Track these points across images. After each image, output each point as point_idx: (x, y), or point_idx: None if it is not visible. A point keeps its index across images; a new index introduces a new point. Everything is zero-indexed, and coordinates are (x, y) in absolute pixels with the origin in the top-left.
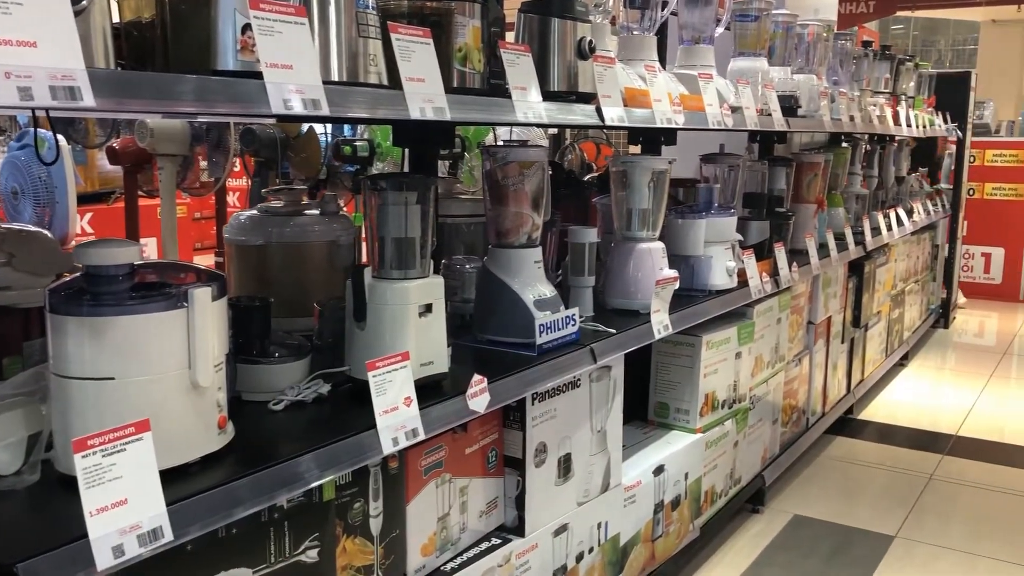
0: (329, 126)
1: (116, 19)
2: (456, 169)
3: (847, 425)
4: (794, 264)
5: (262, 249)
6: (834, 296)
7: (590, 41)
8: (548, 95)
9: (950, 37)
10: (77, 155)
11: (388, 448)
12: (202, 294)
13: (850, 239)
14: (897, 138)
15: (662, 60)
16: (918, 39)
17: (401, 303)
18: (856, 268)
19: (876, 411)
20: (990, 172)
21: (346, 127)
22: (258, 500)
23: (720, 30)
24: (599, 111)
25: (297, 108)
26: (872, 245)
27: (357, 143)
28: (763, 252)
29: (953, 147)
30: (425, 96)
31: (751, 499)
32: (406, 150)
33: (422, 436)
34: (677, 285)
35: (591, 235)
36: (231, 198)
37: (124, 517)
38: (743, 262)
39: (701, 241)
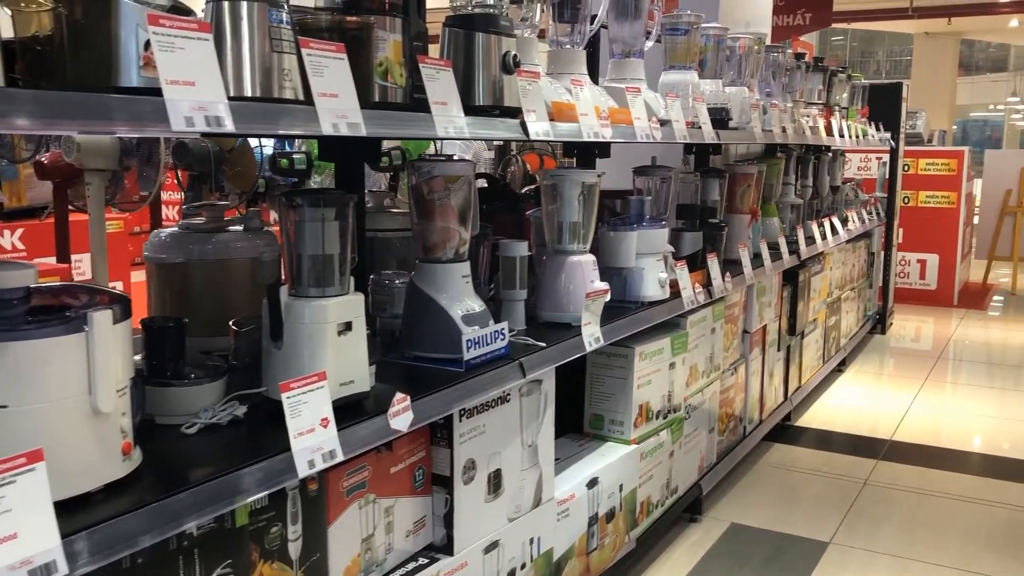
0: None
1: (11, 35)
2: (396, 182)
3: (785, 432)
4: (727, 274)
5: (182, 267)
6: (769, 305)
7: (515, 55)
8: (473, 110)
9: (887, 49)
10: (6, 169)
11: (304, 471)
12: (102, 317)
13: (784, 248)
14: (832, 148)
15: (597, 74)
16: (856, 50)
17: (319, 321)
18: (791, 277)
19: (814, 417)
20: (924, 180)
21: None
22: (164, 528)
23: (650, 44)
24: (523, 125)
25: (200, 125)
26: (807, 254)
27: (295, 156)
28: (696, 263)
29: (884, 156)
30: (338, 111)
31: (689, 508)
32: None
33: (340, 458)
34: (608, 297)
35: (522, 248)
36: (170, 212)
37: (14, 552)
38: (676, 273)
39: (633, 253)
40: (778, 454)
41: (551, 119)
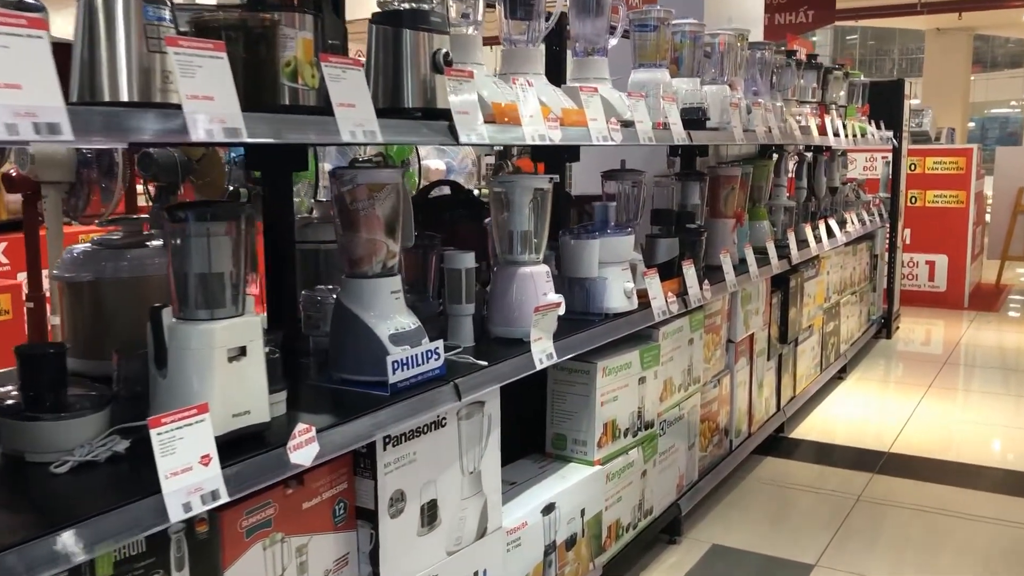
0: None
1: None
2: None
3: (777, 444)
4: (706, 282)
5: (93, 286)
6: (756, 313)
7: (446, 54)
8: (397, 112)
9: (901, 46)
10: None
11: (177, 515)
12: None
13: (772, 253)
14: (832, 148)
15: (565, 74)
16: (872, 49)
17: (206, 347)
18: (781, 282)
19: (809, 429)
20: (931, 180)
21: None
22: None
23: (614, 41)
24: (452, 129)
25: (27, 134)
26: (799, 258)
27: (374, 159)
28: (672, 271)
29: (889, 155)
30: (215, 116)
31: (667, 529)
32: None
33: (225, 498)
34: (561, 311)
35: (467, 260)
36: None
37: None
38: (645, 282)
39: (595, 262)
40: (768, 468)
41: (491, 121)
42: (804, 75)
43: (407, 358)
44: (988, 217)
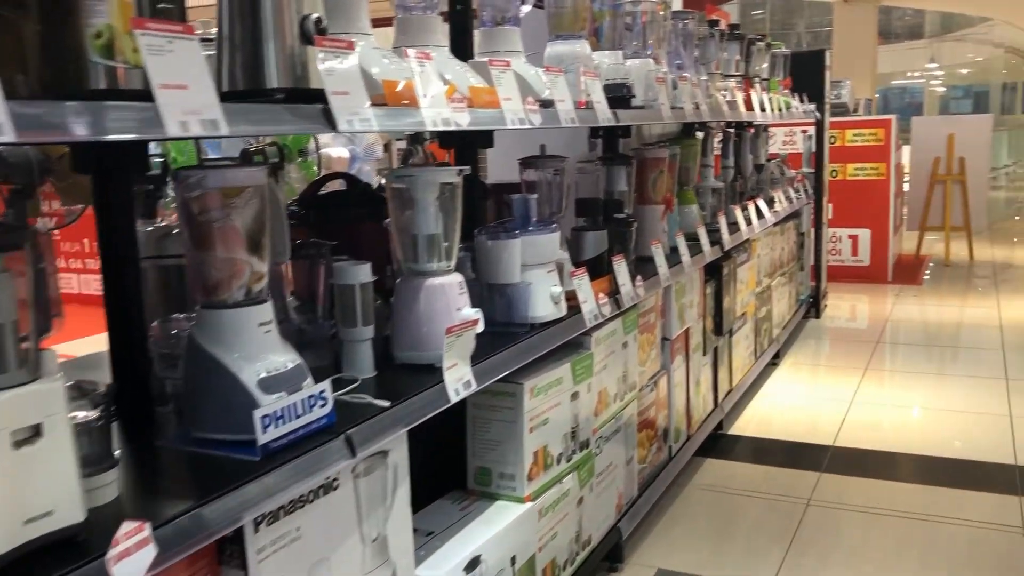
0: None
1: None
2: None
3: (717, 443)
4: (639, 277)
5: None
6: (691, 305)
7: (318, 19)
8: (253, 95)
9: (808, 20)
10: None
11: None
12: None
13: (704, 240)
14: (757, 123)
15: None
16: (778, 23)
17: None
18: (714, 270)
19: (748, 423)
20: (851, 152)
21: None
22: None
23: (527, 8)
24: (328, 114)
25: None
26: (731, 243)
27: (267, 149)
28: (600, 268)
29: (811, 129)
30: None
31: (608, 556)
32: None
33: None
34: (479, 328)
35: (360, 273)
36: None
37: None
38: (573, 284)
39: (516, 265)
40: (710, 472)
41: (381, 103)
42: (727, 47)
43: (283, 409)
44: (906, 188)
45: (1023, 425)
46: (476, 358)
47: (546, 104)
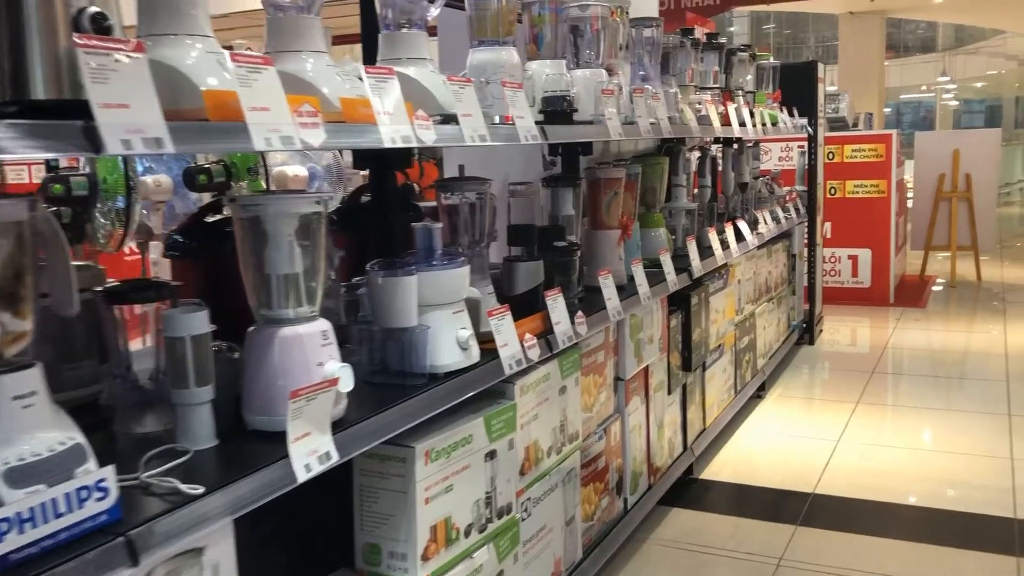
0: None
1: None
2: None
3: (686, 490)
4: (580, 314)
5: None
6: (650, 341)
7: (96, 14)
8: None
9: (817, 33)
10: None
11: None
12: None
13: (668, 268)
14: (741, 139)
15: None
16: (789, 37)
17: None
18: (681, 301)
19: (723, 465)
20: (850, 168)
21: (62, 160)
22: None
23: (435, 10)
24: (90, 131)
25: None
26: (701, 270)
27: (72, 179)
28: (534, 304)
29: (805, 144)
30: None
31: None
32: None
33: None
34: (338, 389)
35: (193, 322)
36: None
37: None
38: (491, 324)
39: (412, 305)
40: (674, 525)
41: (193, 118)
42: (704, 57)
43: (34, 508)
44: (910, 204)
45: None
46: (358, 414)
47: (449, 118)
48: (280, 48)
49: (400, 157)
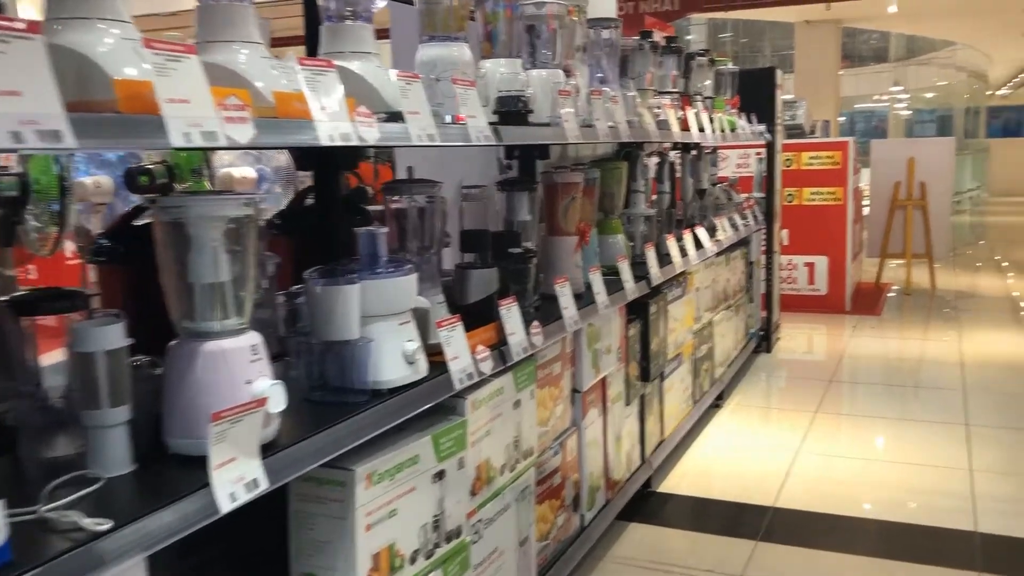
0: None
1: None
2: None
3: (644, 504)
4: (536, 324)
5: None
6: (608, 351)
7: None
8: None
9: (774, 42)
10: None
11: None
12: None
13: (627, 275)
14: (702, 145)
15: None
16: (746, 46)
17: None
18: (639, 309)
19: (682, 478)
20: (808, 176)
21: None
22: None
23: (381, 2)
24: None
25: None
26: (660, 278)
27: (1, 179)
28: (487, 313)
29: (763, 151)
30: None
31: None
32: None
33: None
34: (268, 409)
35: (105, 336)
36: None
37: None
38: (440, 336)
39: (354, 317)
40: (632, 541)
41: (104, 111)
42: (663, 61)
43: None
44: (866, 211)
45: (983, 482)
46: (293, 438)
47: (394, 116)
48: (210, 38)
49: (346, 157)
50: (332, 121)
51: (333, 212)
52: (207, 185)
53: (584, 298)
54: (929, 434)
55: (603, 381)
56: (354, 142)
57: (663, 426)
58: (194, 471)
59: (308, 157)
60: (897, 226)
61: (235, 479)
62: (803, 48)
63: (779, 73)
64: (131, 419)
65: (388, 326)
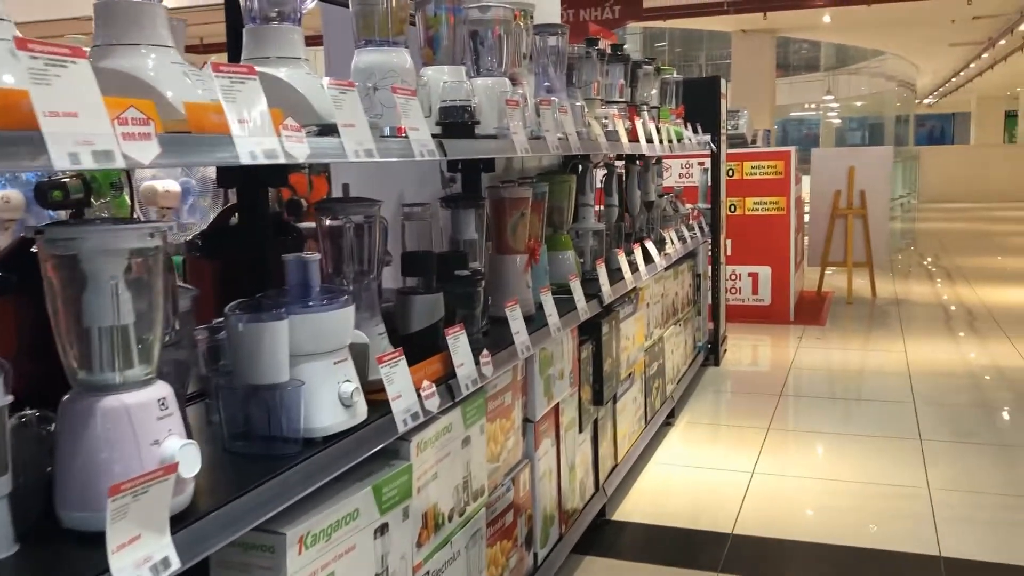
0: None
1: None
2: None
3: (599, 535)
4: (485, 352)
5: None
6: (561, 376)
7: None
8: None
9: (709, 51)
10: None
11: None
12: None
13: (579, 294)
14: (648, 156)
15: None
16: (680, 55)
17: None
18: (591, 328)
19: (636, 503)
20: (750, 186)
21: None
22: None
23: (310, 3)
24: None
25: None
26: (612, 295)
27: (69, 183)
28: (433, 343)
29: (707, 161)
30: None
31: None
32: None
33: None
34: (190, 470)
35: None
36: None
37: None
38: (381, 373)
39: (283, 357)
40: None
41: None
42: (609, 70)
43: None
44: (807, 218)
45: (942, 501)
46: (212, 504)
47: (326, 129)
48: (112, 40)
49: (273, 173)
50: (254, 136)
51: (260, 234)
52: (127, 201)
53: (535, 320)
54: (885, 450)
55: (556, 408)
56: (280, 159)
57: (616, 450)
58: (92, 551)
59: (230, 173)
60: (838, 234)
61: (140, 561)
62: (739, 57)
63: (724, 82)
64: (13, 490)
65: (322, 366)
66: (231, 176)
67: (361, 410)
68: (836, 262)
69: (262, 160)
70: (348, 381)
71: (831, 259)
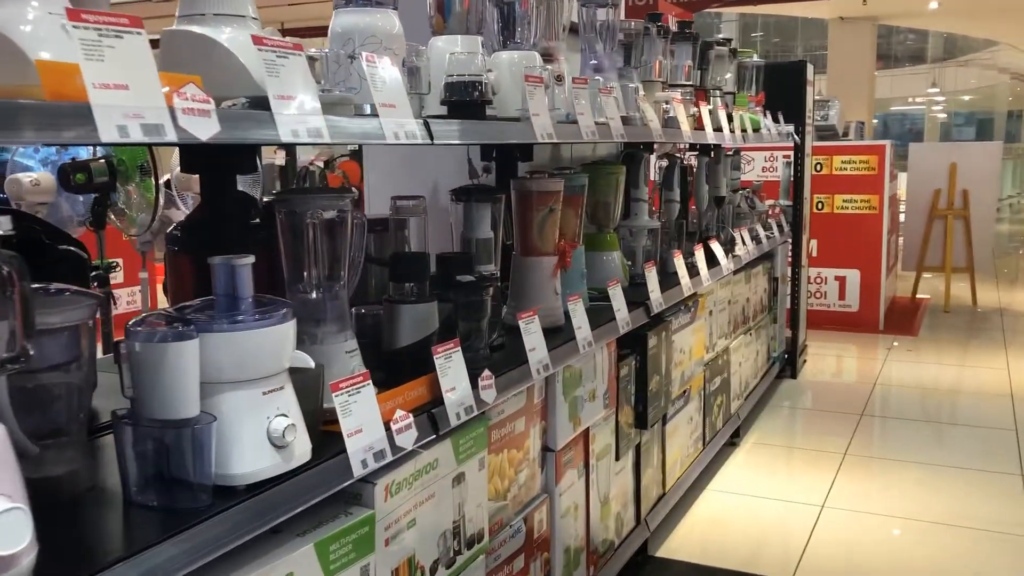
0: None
1: None
2: (103, 207)
3: (638, 574)
4: (486, 373)
5: None
6: (592, 397)
7: None
8: None
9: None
10: None
11: None
12: None
13: (619, 302)
14: (721, 147)
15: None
16: (777, 46)
17: None
18: (636, 341)
19: (686, 538)
20: (840, 182)
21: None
22: None
23: None
24: None
25: None
26: (663, 303)
27: (92, 165)
28: (424, 362)
29: (791, 154)
30: None
31: None
32: None
33: None
34: (18, 548)
35: None
36: None
37: None
38: (335, 402)
39: (191, 386)
40: None
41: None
42: (675, 50)
43: None
44: (902, 217)
45: None
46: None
47: (257, 103)
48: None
49: (240, 156)
50: (129, 101)
51: (225, 227)
52: (151, 186)
53: (563, 333)
54: (981, 486)
55: (585, 434)
56: (171, 140)
57: (664, 477)
58: None
59: (195, 155)
60: (936, 237)
61: None
62: (837, 46)
63: (811, 68)
64: None
65: (246, 396)
66: (195, 160)
67: (301, 451)
68: (933, 266)
69: (143, 139)
70: (282, 416)
71: (928, 263)
